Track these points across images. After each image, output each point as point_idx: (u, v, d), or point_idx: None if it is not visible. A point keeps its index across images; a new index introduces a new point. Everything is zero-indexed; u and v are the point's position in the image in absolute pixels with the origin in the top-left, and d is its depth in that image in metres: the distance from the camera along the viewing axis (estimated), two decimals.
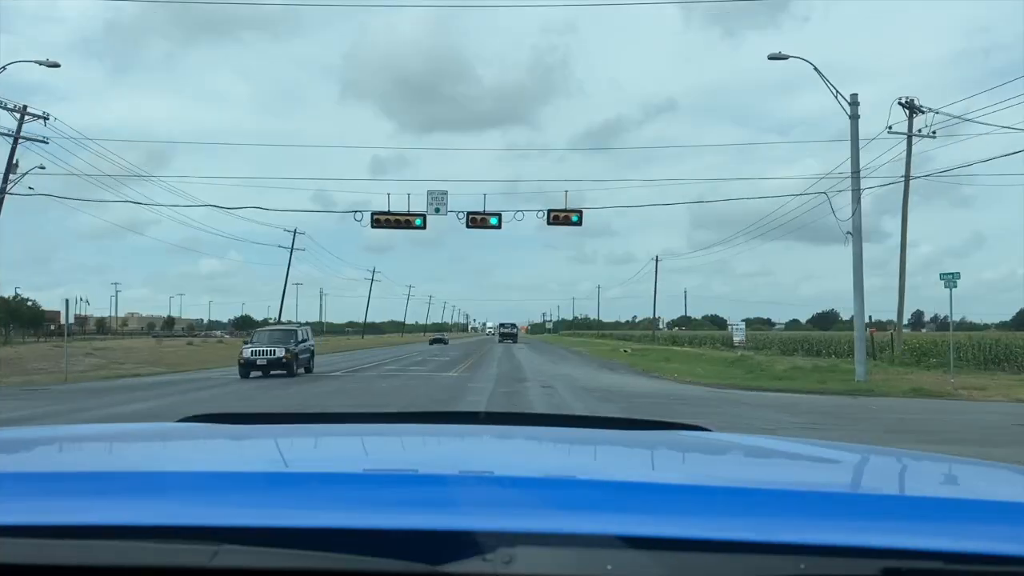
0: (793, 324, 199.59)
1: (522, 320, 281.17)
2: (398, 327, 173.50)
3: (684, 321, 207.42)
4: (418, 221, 29.74)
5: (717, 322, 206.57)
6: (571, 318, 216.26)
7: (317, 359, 32.43)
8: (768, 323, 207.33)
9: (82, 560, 0.84)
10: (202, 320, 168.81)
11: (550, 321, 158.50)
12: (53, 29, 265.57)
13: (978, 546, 0.89)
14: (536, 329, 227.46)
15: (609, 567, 0.83)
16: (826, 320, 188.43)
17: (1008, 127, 25.52)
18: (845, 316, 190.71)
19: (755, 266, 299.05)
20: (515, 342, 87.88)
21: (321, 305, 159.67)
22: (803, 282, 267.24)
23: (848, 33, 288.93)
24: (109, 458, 1.53)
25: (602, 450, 1.70)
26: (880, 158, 32.74)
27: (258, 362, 26.58)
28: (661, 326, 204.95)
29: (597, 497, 1.07)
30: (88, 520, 0.91)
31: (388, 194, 30.07)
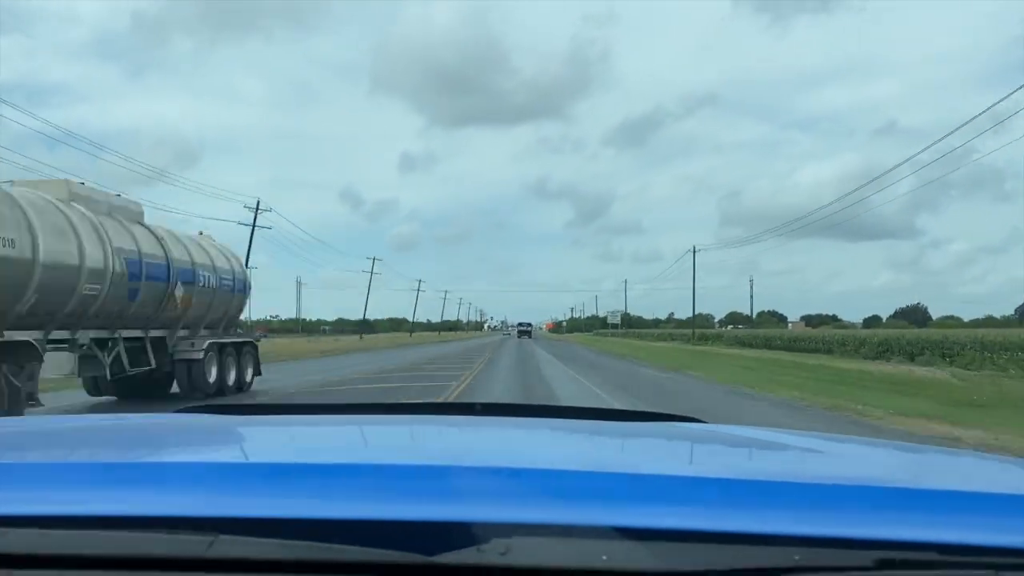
0: (874, 321, 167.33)
1: (543, 317, 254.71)
2: (397, 325, 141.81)
3: (737, 318, 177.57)
4: None
5: (779, 319, 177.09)
6: (603, 314, 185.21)
7: None
8: (834, 319, 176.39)
9: (78, 550, 0.84)
10: None
11: (616, 314, 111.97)
12: (71, 30, 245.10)
13: (972, 537, 0.89)
14: (572, 326, 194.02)
15: (604, 557, 0.83)
16: (913, 316, 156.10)
17: None
18: (935, 313, 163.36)
19: (784, 264, 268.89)
20: (531, 337, 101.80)
21: (298, 297, 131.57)
22: (834, 278, 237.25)
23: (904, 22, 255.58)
24: (105, 449, 1.50)
25: (596, 441, 1.70)
26: None
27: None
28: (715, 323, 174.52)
29: (592, 488, 1.06)
30: (84, 511, 0.90)
31: None
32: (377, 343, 69.47)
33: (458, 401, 4.53)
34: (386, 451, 1.55)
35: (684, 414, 2.12)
